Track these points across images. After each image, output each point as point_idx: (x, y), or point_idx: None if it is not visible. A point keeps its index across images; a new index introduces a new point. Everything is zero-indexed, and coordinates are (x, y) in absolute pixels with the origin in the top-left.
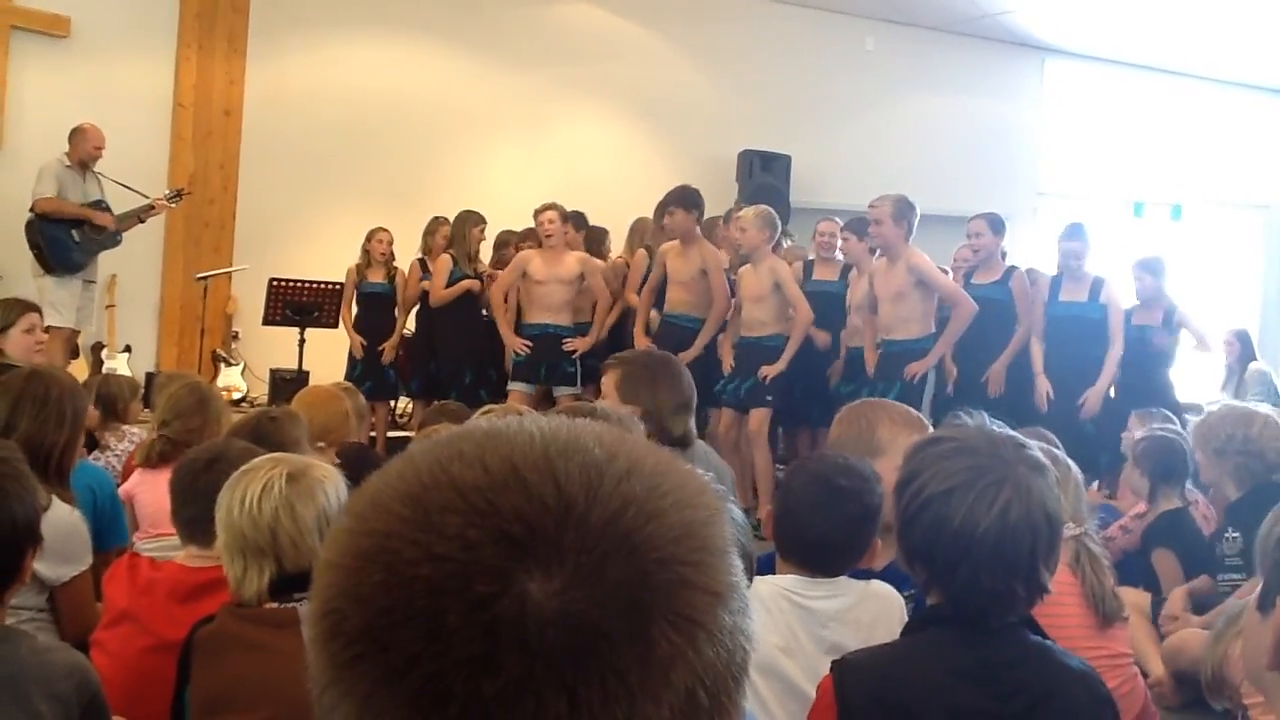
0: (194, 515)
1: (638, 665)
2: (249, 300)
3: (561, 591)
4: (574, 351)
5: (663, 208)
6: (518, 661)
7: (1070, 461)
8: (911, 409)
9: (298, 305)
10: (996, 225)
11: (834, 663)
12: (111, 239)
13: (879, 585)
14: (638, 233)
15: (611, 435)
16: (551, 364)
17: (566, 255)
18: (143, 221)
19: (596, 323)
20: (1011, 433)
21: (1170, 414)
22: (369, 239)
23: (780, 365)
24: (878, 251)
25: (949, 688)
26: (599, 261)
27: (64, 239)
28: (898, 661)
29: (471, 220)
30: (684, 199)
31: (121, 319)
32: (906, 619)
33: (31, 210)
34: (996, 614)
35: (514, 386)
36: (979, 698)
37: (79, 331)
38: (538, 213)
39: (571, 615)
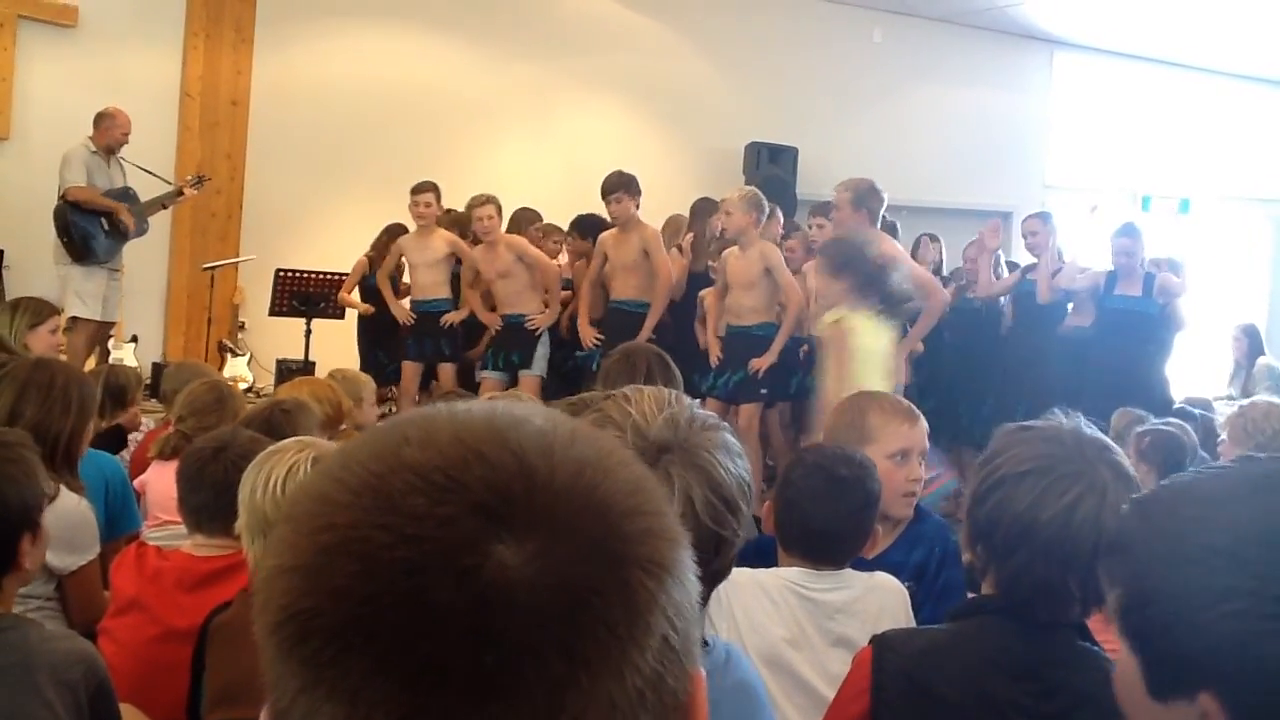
0: (201, 503)
1: (624, 615)
2: (255, 291)
3: (543, 553)
4: (536, 330)
5: (606, 195)
6: (514, 628)
7: None
8: (902, 399)
9: (304, 296)
10: (1049, 222)
11: (874, 637)
12: (139, 228)
13: (883, 577)
14: (669, 230)
15: (541, 407)
16: (509, 350)
17: (497, 246)
18: (166, 208)
19: (552, 306)
20: (1103, 437)
21: (1144, 414)
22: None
23: (770, 356)
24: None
25: (985, 678)
26: (530, 246)
27: (94, 230)
28: (938, 645)
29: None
30: (628, 184)
31: (128, 309)
32: (911, 611)
33: (62, 198)
34: (1045, 607)
35: (485, 375)
36: (1015, 692)
37: (112, 324)
38: (476, 206)
39: (557, 574)
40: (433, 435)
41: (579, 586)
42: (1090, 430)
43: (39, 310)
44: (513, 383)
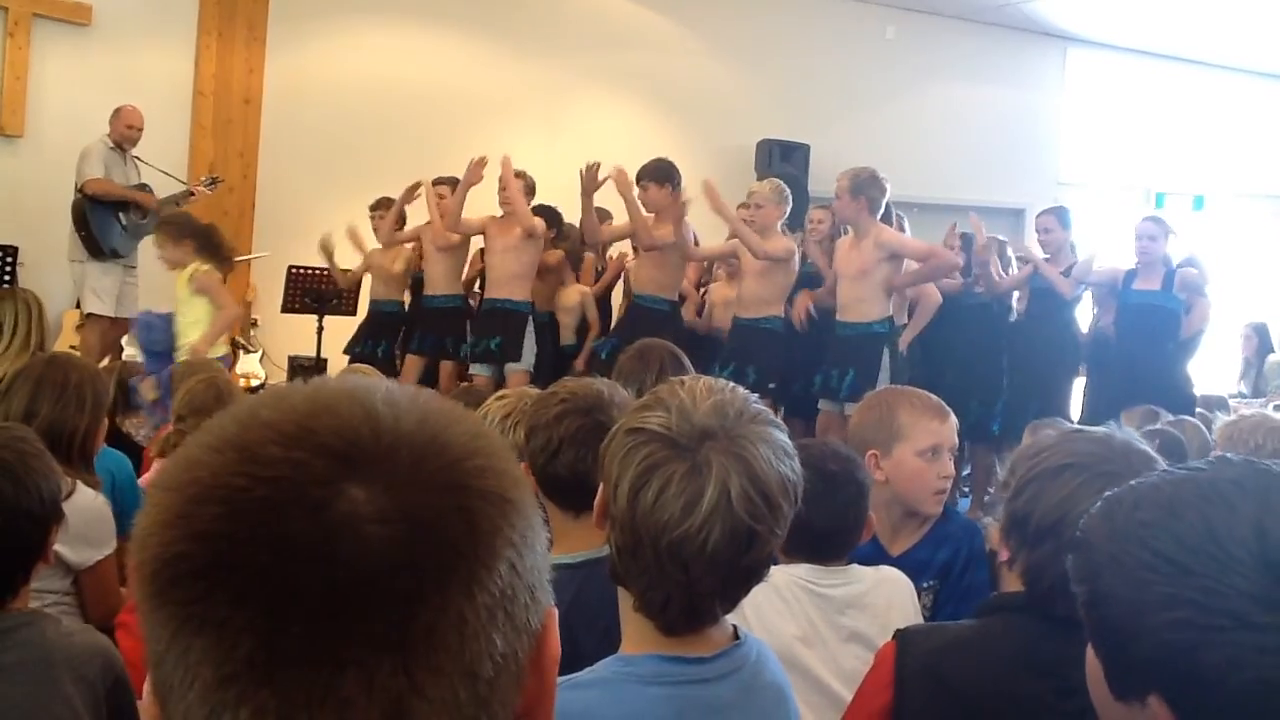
0: None
1: (468, 537)
2: (268, 288)
3: (389, 489)
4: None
5: (637, 182)
6: (364, 552)
7: None
8: (931, 395)
9: (316, 293)
10: (1065, 219)
11: (897, 632)
12: (155, 223)
13: (889, 570)
14: None
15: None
16: (490, 335)
17: (513, 220)
18: (179, 206)
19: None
20: (1151, 451)
21: (1158, 410)
22: None
23: None
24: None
25: (1009, 675)
26: (541, 226)
27: (111, 225)
28: (962, 641)
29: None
30: (657, 173)
31: (142, 306)
32: (919, 606)
33: (81, 191)
34: (1065, 601)
35: (476, 370)
36: (1039, 689)
37: (130, 320)
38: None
39: (402, 505)
40: (288, 398)
41: (423, 514)
42: (1141, 444)
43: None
44: (499, 376)
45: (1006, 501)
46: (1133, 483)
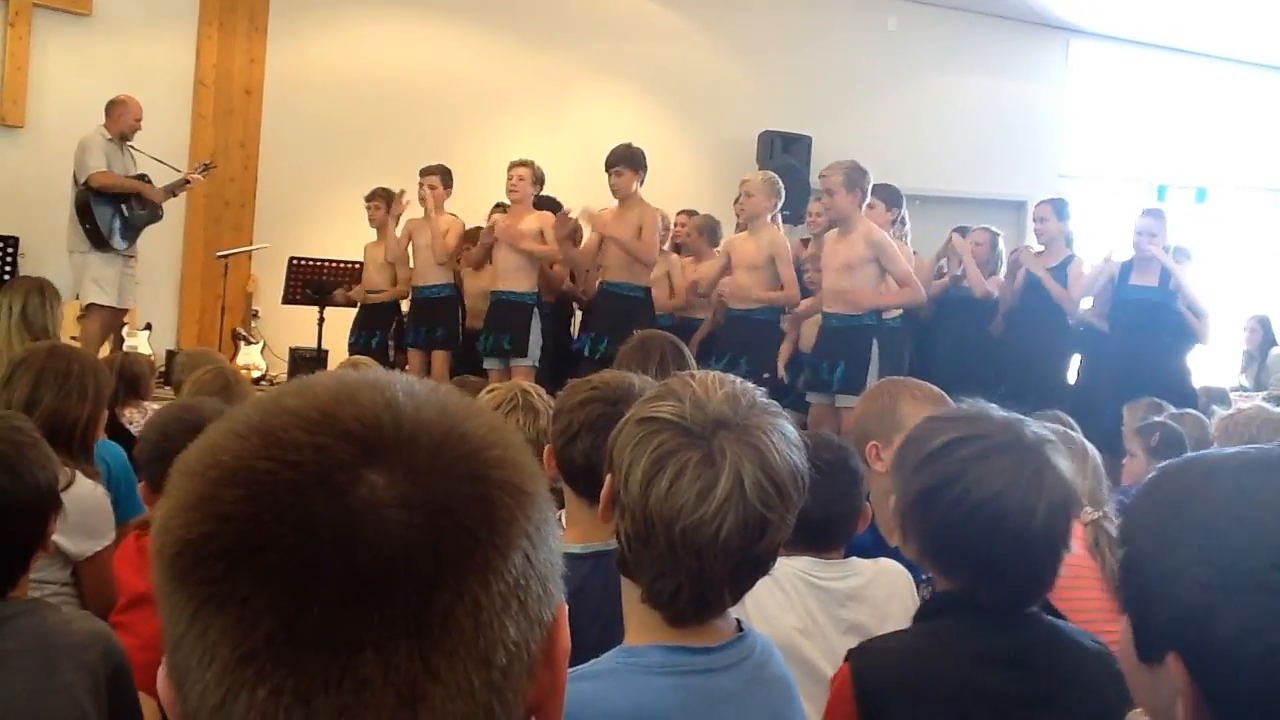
0: (159, 473)
1: (485, 524)
2: (269, 279)
3: (409, 476)
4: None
5: (608, 168)
6: (384, 535)
7: (1088, 443)
8: (934, 387)
9: (317, 284)
10: (1061, 210)
11: (850, 651)
12: (154, 214)
13: (888, 562)
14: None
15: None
16: (500, 333)
17: (527, 216)
18: (174, 195)
19: (549, 248)
20: (1013, 413)
21: (1160, 402)
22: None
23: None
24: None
25: (975, 671)
26: (552, 223)
27: (113, 216)
28: (918, 647)
29: None
30: (631, 159)
31: (142, 296)
32: (917, 596)
33: (85, 185)
34: (1035, 599)
35: (488, 364)
36: (1006, 681)
37: (127, 310)
38: (510, 167)
39: (422, 491)
40: (311, 387)
41: (441, 500)
42: (998, 411)
43: (57, 293)
44: (507, 369)
45: (937, 535)
46: (1189, 455)
